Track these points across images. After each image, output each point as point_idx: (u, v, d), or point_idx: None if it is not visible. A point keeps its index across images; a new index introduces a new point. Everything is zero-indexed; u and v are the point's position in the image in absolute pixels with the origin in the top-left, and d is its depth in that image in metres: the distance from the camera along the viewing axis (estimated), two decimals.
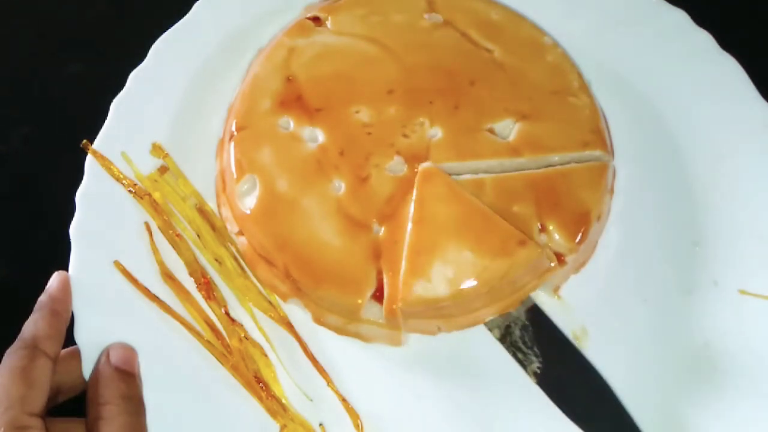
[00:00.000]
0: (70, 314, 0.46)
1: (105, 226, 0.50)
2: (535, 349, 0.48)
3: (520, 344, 0.49)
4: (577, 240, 0.48)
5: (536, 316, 0.50)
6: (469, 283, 0.45)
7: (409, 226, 0.47)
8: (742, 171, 0.53)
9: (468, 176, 0.49)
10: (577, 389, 0.48)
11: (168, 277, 0.50)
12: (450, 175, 0.49)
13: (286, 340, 0.49)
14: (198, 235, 0.51)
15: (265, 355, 0.48)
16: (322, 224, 0.47)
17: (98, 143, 0.52)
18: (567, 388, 0.48)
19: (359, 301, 0.46)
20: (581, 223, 0.49)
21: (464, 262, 0.46)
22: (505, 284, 0.47)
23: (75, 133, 0.53)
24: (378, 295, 0.46)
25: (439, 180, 0.48)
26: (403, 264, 0.46)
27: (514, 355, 0.48)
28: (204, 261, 0.51)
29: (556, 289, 0.50)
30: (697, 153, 0.54)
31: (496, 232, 0.47)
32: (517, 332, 0.49)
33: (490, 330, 0.49)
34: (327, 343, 0.49)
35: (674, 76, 0.56)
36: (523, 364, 0.48)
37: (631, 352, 0.49)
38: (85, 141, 0.52)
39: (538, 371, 0.48)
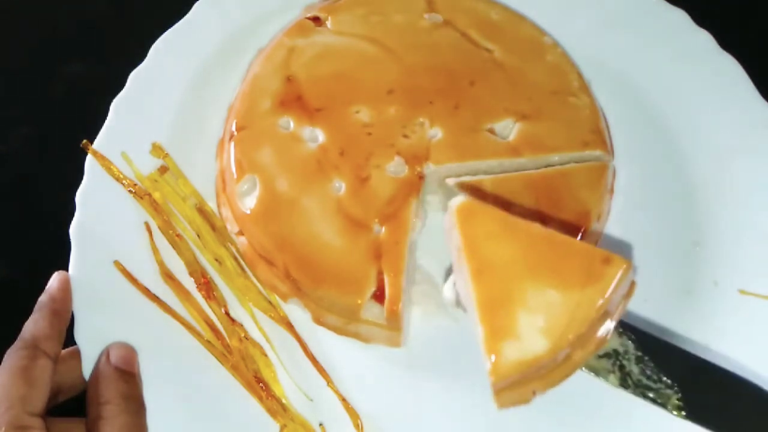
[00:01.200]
0: (71, 314, 0.46)
1: (105, 226, 0.50)
2: (665, 379, 0.42)
3: (646, 381, 0.41)
4: (578, 240, 0.48)
5: (645, 341, 0.42)
6: (567, 326, 0.39)
7: (469, 283, 0.40)
8: (742, 171, 0.53)
9: (467, 177, 0.49)
10: (733, 408, 0.42)
11: (168, 277, 0.50)
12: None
13: (286, 340, 0.49)
14: (198, 235, 0.51)
15: (265, 355, 0.48)
16: (322, 224, 0.47)
17: (98, 143, 0.52)
18: (722, 410, 0.41)
19: (359, 302, 0.46)
20: (581, 222, 0.49)
21: (552, 303, 0.39)
22: (600, 316, 0.40)
23: (75, 133, 0.53)
24: (378, 296, 0.46)
25: (485, 216, 0.41)
26: (481, 330, 0.39)
27: (646, 397, 0.41)
28: (204, 261, 0.51)
29: None
30: (697, 153, 0.54)
31: (574, 256, 0.40)
32: (635, 369, 0.42)
33: (605, 378, 0.42)
34: (327, 343, 0.49)
35: (674, 75, 0.56)
36: (663, 404, 0.41)
37: None
38: (85, 141, 0.52)
39: (682, 403, 0.41)
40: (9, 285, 0.54)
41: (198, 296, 0.50)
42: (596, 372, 0.42)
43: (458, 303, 0.45)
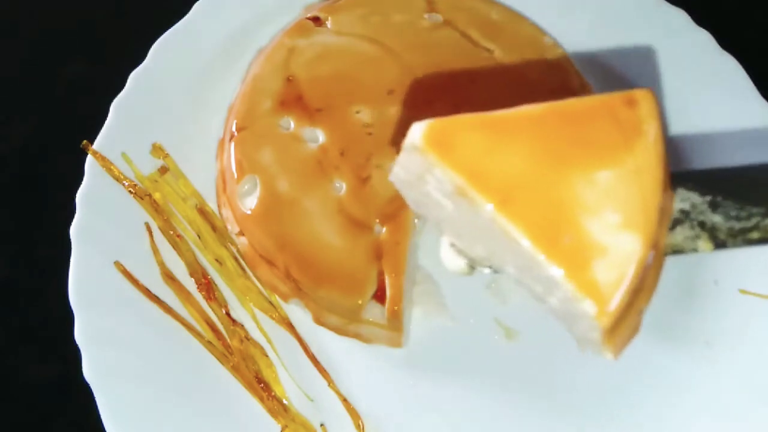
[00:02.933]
0: None
1: (105, 227, 0.50)
2: (755, 210, 0.33)
3: (739, 225, 0.33)
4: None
5: (704, 181, 0.34)
6: (645, 203, 0.30)
7: (502, 221, 0.31)
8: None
9: None
10: None
11: (168, 277, 0.50)
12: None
13: (287, 341, 0.49)
14: (198, 236, 0.51)
15: (266, 356, 0.48)
16: (322, 224, 0.47)
17: (98, 143, 0.52)
18: None
19: (360, 302, 0.46)
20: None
21: (610, 187, 0.30)
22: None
23: (75, 133, 0.53)
24: (379, 296, 0.46)
25: (463, 133, 0.32)
26: (555, 270, 0.30)
27: (752, 242, 0.33)
28: (204, 261, 0.51)
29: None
30: (697, 153, 0.54)
31: (593, 119, 0.31)
32: (717, 218, 0.33)
33: (696, 248, 0.33)
34: (328, 343, 0.49)
35: (674, 75, 0.56)
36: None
37: (631, 351, 0.49)
38: (85, 141, 0.52)
39: None
40: (9, 285, 0.54)
41: (198, 297, 0.50)
42: (682, 249, 0.33)
43: (474, 265, 0.36)
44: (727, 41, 0.56)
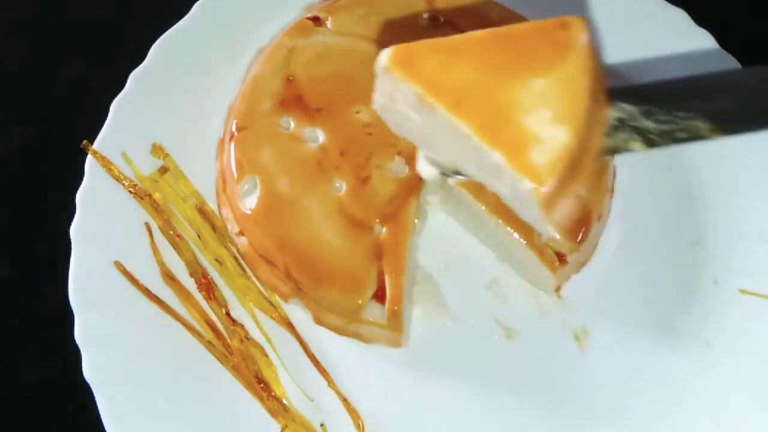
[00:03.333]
0: None
1: (105, 226, 0.50)
2: (681, 114, 0.39)
3: (667, 127, 0.38)
4: (578, 240, 0.48)
5: (638, 94, 0.40)
6: (574, 103, 0.36)
7: (454, 121, 0.36)
8: (742, 171, 0.53)
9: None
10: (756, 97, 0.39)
11: (168, 277, 0.50)
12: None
13: (287, 341, 0.49)
14: (198, 236, 0.51)
15: (266, 356, 0.48)
16: (323, 224, 0.47)
17: (98, 143, 0.52)
18: (750, 110, 0.39)
19: (360, 302, 0.46)
20: (582, 222, 0.49)
21: (544, 91, 0.36)
22: (595, 83, 0.37)
23: (75, 133, 0.53)
24: (379, 296, 0.46)
25: (422, 53, 0.37)
26: (498, 156, 0.35)
27: (678, 140, 0.39)
28: (204, 261, 0.51)
29: (557, 289, 0.51)
30: (696, 153, 0.54)
31: (531, 39, 0.37)
32: (649, 124, 0.38)
33: (630, 148, 0.39)
34: (328, 343, 0.49)
35: (674, 75, 0.56)
36: (698, 137, 0.38)
37: (631, 351, 0.49)
38: (85, 141, 0.52)
39: (713, 123, 0.38)
40: (9, 285, 0.54)
41: (198, 297, 0.50)
42: (618, 149, 0.39)
43: (445, 173, 0.41)
44: (727, 41, 0.56)
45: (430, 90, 0.36)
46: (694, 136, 0.39)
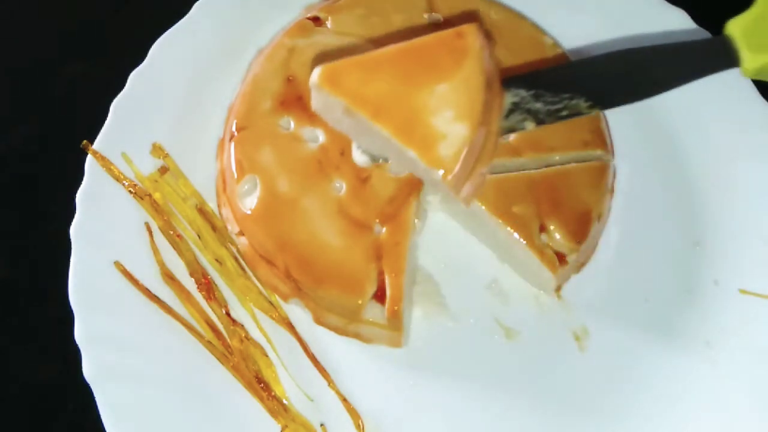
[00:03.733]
0: None
1: (105, 226, 0.50)
2: (564, 95, 0.46)
3: (553, 107, 0.46)
4: (578, 240, 0.48)
5: (529, 81, 0.46)
6: (471, 101, 0.43)
7: (376, 127, 0.43)
8: (742, 171, 0.53)
9: None
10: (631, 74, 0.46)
11: (168, 277, 0.50)
12: None
13: (287, 341, 0.49)
14: (198, 236, 0.51)
15: (266, 356, 0.48)
16: (322, 224, 0.47)
17: (98, 143, 0.52)
18: (621, 84, 0.46)
19: (360, 302, 0.46)
20: (582, 222, 0.49)
21: (446, 94, 0.43)
22: (489, 81, 0.44)
23: (75, 133, 0.53)
24: (379, 296, 0.46)
25: (345, 70, 0.45)
26: (412, 153, 0.43)
27: (562, 117, 0.46)
28: (204, 261, 0.51)
29: (557, 289, 0.51)
30: (697, 153, 0.55)
31: (434, 50, 0.44)
32: (538, 105, 0.46)
33: (523, 128, 0.46)
34: (328, 343, 0.49)
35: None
36: (578, 113, 0.46)
37: (631, 351, 0.49)
38: (85, 141, 0.52)
39: (590, 101, 0.46)
40: (9, 285, 0.54)
41: (198, 297, 0.50)
42: (514, 129, 0.46)
43: (374, 159, 0.48)
44: None
45: (353, 102, 0.44)
46: (576, 113, 0.46)
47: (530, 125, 0.46)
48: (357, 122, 0.45)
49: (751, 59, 0.43)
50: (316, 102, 0.48)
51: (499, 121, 0.45)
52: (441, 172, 0.42)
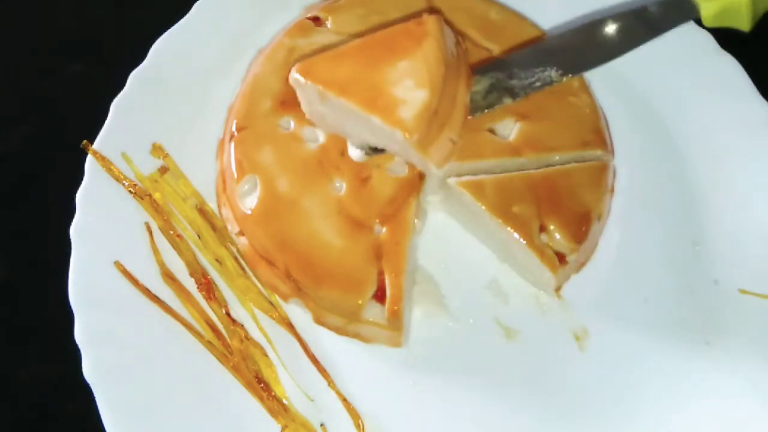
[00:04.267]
0: None
1: (105, 226, 0.50)
2: (537, 69, 0.51)
3: (527, 81, 0.51)
4: (578, 240, 0.48)
5: (502, 65, 0.52)
6: (429, 72, 0.47)
7: (343, 101, 0.47)
8: (742, 170, 0.53)
9: (468, 177, 0.49)
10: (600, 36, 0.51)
11: (168, 277, 0.50)
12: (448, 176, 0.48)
13: (287, 341, 0.49)
14: (198, 236, 0.51)
15: (266, 356, 0.48)
16: (323, 224, 0.47)
17: (98, 143, 0.52)
18: (587, 48, 0.51)
19: (360, 302, 0.46)
20: (582, 222, 0.49)
21: (406, 69, 0.47)
22: (452, 63, 0.49)
23: (75, 133, 0.53)
24: (379, 296, 0.46)
25: (319, 63, 0.49)
26: (377, 119, 0.46)
27: (536, 88, 0.51)
28: (204, 261, 0.51)
29: (557, 289, 0.51)
30: (697, 152, 0.54)
31: (397, 36, 0.49)
32: (513, 82, 0.51)
33: (501, 103, 0.51)
34: (328, 343, 0.49)
35: (674, 75, 0.56)
36: (550, 82, 0.51)
37: (631, 351, 0.49)
38: (85, 141, 0.52)
39: (561, 70, 0.51)
40: (9, 285, 0.54)
41: (198, 297, 0.50)
42: (492, 106, 0.51)
43: (368, 152, 0.50)
44: (727, 41, 0.56)
45: (324, 85, 0.47)
46: (548, 82, 0.51)
47: (508, 100, 0.51)
48: (332, 108, 0.48)
49: (706, 6, 0.47)
50: (302, 101, 0.50)
51: (467, 90, 0.51)
52: (402, 133, 0.45)
